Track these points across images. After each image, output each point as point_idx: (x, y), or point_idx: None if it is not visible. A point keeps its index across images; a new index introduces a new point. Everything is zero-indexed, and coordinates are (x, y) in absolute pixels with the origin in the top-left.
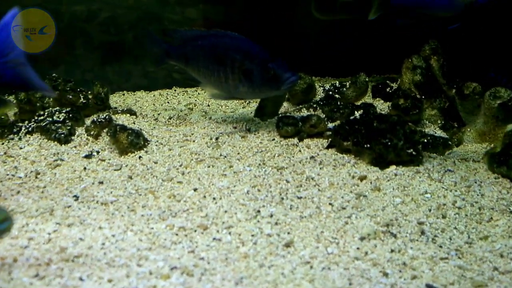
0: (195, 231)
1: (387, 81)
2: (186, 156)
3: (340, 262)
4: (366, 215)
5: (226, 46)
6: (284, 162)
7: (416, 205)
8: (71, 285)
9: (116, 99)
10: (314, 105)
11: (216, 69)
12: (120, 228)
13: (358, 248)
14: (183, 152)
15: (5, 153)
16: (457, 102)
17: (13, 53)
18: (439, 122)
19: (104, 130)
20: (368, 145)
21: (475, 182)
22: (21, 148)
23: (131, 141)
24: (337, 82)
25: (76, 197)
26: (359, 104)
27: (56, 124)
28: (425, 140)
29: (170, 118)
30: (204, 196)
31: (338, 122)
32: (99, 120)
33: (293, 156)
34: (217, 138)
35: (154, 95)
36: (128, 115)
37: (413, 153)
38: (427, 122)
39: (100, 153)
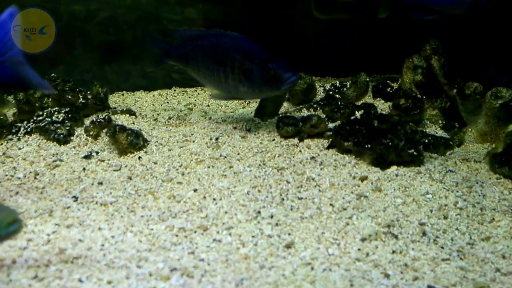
0: (195, 232)
1: (388, 81)
2: (186, 156)
3: (341, 263)
4: (367, 216)
5: (226, 46)
6: (284, 163)
7: (417, 206)
8: (70, 287)
9: (115, 99)
10: (315, 105)
11: (216, 69)
12: (120, 229)
13: (359, 249)
14: (183, 152)
15: (4, 153)
16: (458, 102)
17: (11, 52)
18: (440, 122)
19: (104, 131)
20: (369, 146)
21: (477, 183)
22: (20, 149)
23: (131, 142)
24: (338, 82)
25: (75, 198)
26: (359, 104)
27: (55, 125)
28: (426, 140)
29: (169, 118)
30: (204, 197)
31: (338, 122)
32: (99, 120)
33: (293, 157)
34: (217, 139)
35: (153, 95)
36: (128, 115)
37: (414, 153)
38: (428, 122)
39: (99, 154)
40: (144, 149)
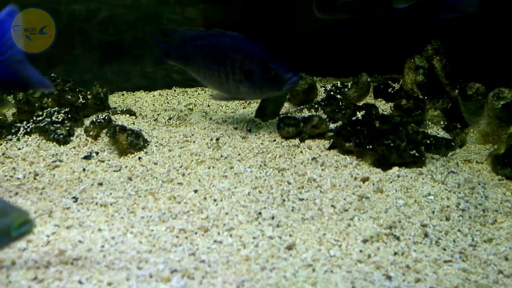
0: (196, 233)
1: (389, 82)
2: (186, 157)
3: (342, 265)
4: (369, 217)
5: (227, 46)
6: (285, 163)
7: (419, 207)
8: None
9: (115, 99)
10: (316, 106)
11: (217, 70)
12: (120, 230)
13: (361, 251)
14: (183, 153)
15: (3, 154)
16: (460, 102)
17: (11, 51)
18: (442, 123)
19: (104, 131)
20: (371, 146)
21: (479, 184)
22: (19, 149)
23: (131, 142)
24: (339, 82)
25: (75, 199)
26: (361, 104)
27: (54, 125)
28: (428, 141)
29: (170, 118)
30: (205, 198)
31: (340, 123)
32: (98, 120)
33: (294, 157)
34: (217, 139)
35: (153, 95)
36: (128, 115)
37: (416, 154)
38: (429, 123)
39: (99, 154)
40: (144, 150)
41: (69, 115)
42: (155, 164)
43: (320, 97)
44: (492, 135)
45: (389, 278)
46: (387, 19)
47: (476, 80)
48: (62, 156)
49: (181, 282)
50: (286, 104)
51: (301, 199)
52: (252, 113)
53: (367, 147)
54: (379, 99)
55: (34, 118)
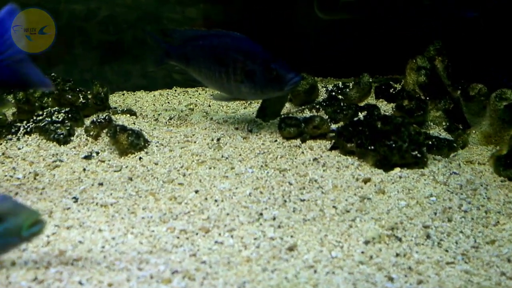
0: (197, 234)
1: (391, 82)
2: (187, 157)
3: (344, 266)
4: (371, 218)
5: (228, 46)
6: (286, 164)
7: (421, 208)
8: None
9: (115, 99)
10: (317, 106)
11: (218, 70)
12: (120, 230)
13: (362, 252)
14: (184, 153)
15: (3, 153)
16: (462, 103)
17: (11, 50)
18: (443, 123)
19: (104, 131)
20: (372, 147)
21: (481, 185)
22: (19, 149)
23: (131, 142)
24: (340, 83)
25: (75, 199)
26: (362, 105)
27: (55, 124)
28: (430, 142)
29: (170, 118)
30: (206, 198)
31: (341, 123)
32: (99, 120)
33: (295, 158)
34: (218, 139)
35: (154, 95)
36: (128, 115)
37: (418, 155)
38: (431, 123)
39: (99, 154)
40: (145, 150)
41: (70, 115)
42: (156, 164)
43: (322, 97)
44: (494, 136)
45: (391, 279)
46: (387, 19)
47: (478, 81)
48: (62, 156)
49: (182, 283)
50: (287, 105)
51: (303, 200)
52: (253, 113)
53: (369, 147)
54: (381, 100)
55: (34, 118)
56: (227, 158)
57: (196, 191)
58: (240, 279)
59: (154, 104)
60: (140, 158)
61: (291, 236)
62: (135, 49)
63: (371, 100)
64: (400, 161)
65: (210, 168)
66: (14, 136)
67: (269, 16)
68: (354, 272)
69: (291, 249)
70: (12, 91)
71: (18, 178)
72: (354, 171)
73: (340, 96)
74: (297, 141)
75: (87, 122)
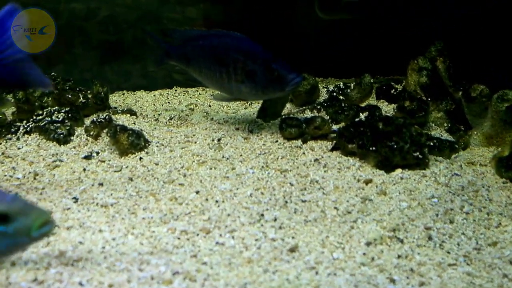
0: (198, 235)
1: (392, 83)
2: (188, 157)
3: (346, 268)
4: (372, 220)
5: (228, 46)
6: (287, 165)
7: (423, 210)
8: None
9: (115, 99)
10: (318, 107)
11: (218, 70)
12: (121, 231)
13: (364, 254)
14: (184, 153)
15: (2, 153)
16: (463, 104)
17: (11, 49)
18: (445, 125)
19: (104, 131)
20: (374, 148)
21: (483, 187)
22: (19, 149)
23: (132, 142)
24: (341, 83)
25: (75, 199)
26: (364, 106)
27: (55, 124)
28: (431, 143)
29: (171, 118)
30: (206, 199)
31: (342, 124)
32: (99, 120)
33: (296, 159)
34: (219, 140)
35: (154, 95)
36: (128, 115)
37: (419, 156)
38: (433, 124)
39: (100, 154)
40: (145, 150)
41: (70, 115)
42: (156, 164)
43: (323, 98)
44: (496, 138)
45: (393, 281)
46: (388, 19)
47: (480, 82)
48: (62, 156)
49: (183, 285)
50: (288, 105)
51: (304, 201)
52: (253, 113)
53: (370, 148)
54: (382, 101)
55: (34, 117)
56: (228, 158)
57: (197, 192)
58: (241, 281)
59: (154, 104)
60: (140, 158)
61: (293, 237)
62: (135, 49)
63: (372, 100)
64: (402, 162)
65: (211, 169)
66: (13, 135)
67: (269, 16)
68: (355, 273)
69: (292, 250)
70: (12, 90)
71: (18, 178)
72: (355, 172)
73: (341, 97)
74: (298, 142)
75: (87, 122)
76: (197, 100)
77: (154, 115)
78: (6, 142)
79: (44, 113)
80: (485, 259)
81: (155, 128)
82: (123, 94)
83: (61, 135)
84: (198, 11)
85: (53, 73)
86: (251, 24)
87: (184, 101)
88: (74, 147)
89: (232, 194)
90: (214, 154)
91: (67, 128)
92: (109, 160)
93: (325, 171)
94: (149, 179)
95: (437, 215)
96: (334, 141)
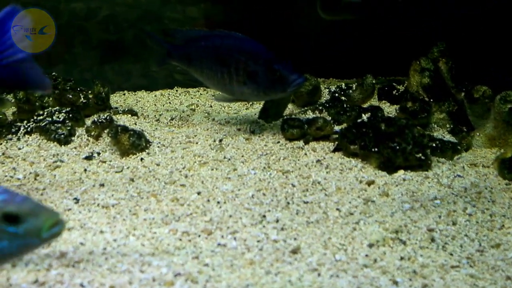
0: (199, 236)
1: (394, 84)
2: (189, 158)
3: (348, 270)
4: (375, 221)
5: (230, 47)
6: (289, 166)
7: (425, 211)
8: None
9: (116, 99)
10: (320, 107)
11: (220, 71)
12: (122, 232)
13: (366, 255)
14: (186, 154)
15: (3, 153)
16: (466, 105)
17: (11, 50)
18: (447, 126)
19: (105, 131)
20: (376, 149)
21: (486, 188)
22: (19, 149)
23: (133, 143)
24: (343, 84)
25: (76, 200)
26: (366, 106)
27: (55, 124)
28: (434, 145)
29: (172, 119)
30: (208, 200)
31: (344, 125)
32: (100, 120)
33: (298, 160)
34: (220, 140)
35: (155, 95)
36: (129, 115)
37: (422, 157)
38: (435, 126)
39: (101, 155)
40: (147, 151)
41: (70, 115)
42: (158, 165)
43: (324, 98)
44: (498, 139)
45: (395, 283)
46: (389, 20)
47: (482, 83)
48: (63, 156)
49: (185, 286)
50: (289, 106)
51: (306, 202)
52: (255, 114)
53: (373, 149)
54: (383, 101)
55: (35, 118)
56: (229, 159)
57: (199, 193)
58: (244, 282)
59: (155, 104)
60: (141, 159)
61: (295, 239)
62: (136, 48)
63: (373, 101)
64: (404, 164)
65: (212, 170)
66: (14, 136)
67: (269, 16)
68: (358, 275)
69: (294, 251)
70: (12, 90)
71: (19, 179)
72: (357, 173)
73: (343, 98)
74: (300, 143)
75: (88, 122)
76: (198, 101)
77: (155, 116)
78: (7, 142)
79: (45, 113)
80: (488, 261)
81: (156, 128)
82: (124, 94)
83: (62, 136)
84: (199, 11)
85: (54, 73)
86: (251, 24)
87: (185, 102)
88: (75, 148)
89: (234, 195)
90: (216, 154)
91: (68, 128)
92: (110, 161)
93: (327, 172)
94: (150, 180)
95: (439, 216)
96: (336, 142)
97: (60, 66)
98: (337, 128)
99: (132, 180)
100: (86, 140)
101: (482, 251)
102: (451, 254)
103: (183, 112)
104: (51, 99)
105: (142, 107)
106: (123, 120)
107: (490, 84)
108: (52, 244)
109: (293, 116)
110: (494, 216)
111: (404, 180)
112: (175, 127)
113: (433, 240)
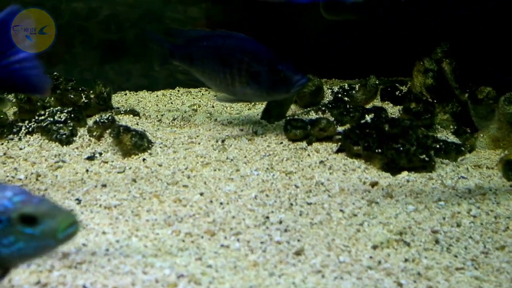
0: (202, 237)
1: (397, 84)
2: (192, 158)
3: (352, 272)
4: (379, 223)
5: (233, 47)
6: (292, 167)
7: (429, 213)
8: None
9: (118, 99)
10: (323, 108)
11: (222, 71)
12: (124, 233)
13: (371, 257)
14: (188, 154)
15: (4, 153)
16: (470, 106)
17: (12, 50)
18: (451, 127)
19: (107, 131)
20: (379, 150)
21: (490, 190)
22: (21, 149)
23: (135, 143)
24: (346, 84)
25: (78, 201)
26: (369, 107)
27: (57, 124)
28: (438, 146)
29: (174, 119)
30: (211, 201)
31: (347, 125)
32: (102, 120)
33: (301, 160)
34: (223, 141)
35: (157, 95)
36: (131, 115)
37: (426, 159)
38: (439, 127)
39: (102, 155)
40: (149, 151)
41: (72, 115)
42: (160, 165)
43: (327, 99)
44: (502, 140)
45: (400, 285)
46: (392, 20)
47: (486, 84)
48: (65, 156)
49: None
50: (292, 106)
51: (309, 203)
52: (257, 114)
53: (376, 151)
54: (386, 102)
55: (36, 118)
56: (232, 160)
57: (201, 194)
58: (247, 284)
59: (157, 105)
60: (143, 159)
61: (298, 240)
62: (136, 48)
63: (376, 102)
64: (408, 165)
65: (215, 170)
66: (15, 136)
67: (270, 16)
68: (362, 277)
69: (298, 253)
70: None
71: (20, 179)
72: (361, 175)
73: (346, 98)
74: (303, 144)
75: (90, 122)
76: (200, 101)
77: (157, 116)
78: (8, 142)
79: (46, 113)
80: (493, 263)
81: (158, 128)
82: (125, 94)
83: (64, 136)
84: (200, 11)
85: (55, 73)
86: (251, 24)
87: (187, 102)
88: (77, 148)
89: (237, 196)
90: (218, 155)
91: (70, 128)
92: (112, 161)
93: (330, 173)
94: (152, 181)
95: (444, 218)
96: (340, 143)
97: (60, 66)
98: (340, 129)
99: (134, 180)
100: (88, 141)
101: (487, 253)
102: (456, 256)
103: (185, 112)
104: (52, 99)
105: (143, 107)
106: (125, 120)
107: (490, 84)
108: None
109: (296, 117)
110: (498, 217)
111: (408, 181)
112: (177, 127)
113: (437, 242)
